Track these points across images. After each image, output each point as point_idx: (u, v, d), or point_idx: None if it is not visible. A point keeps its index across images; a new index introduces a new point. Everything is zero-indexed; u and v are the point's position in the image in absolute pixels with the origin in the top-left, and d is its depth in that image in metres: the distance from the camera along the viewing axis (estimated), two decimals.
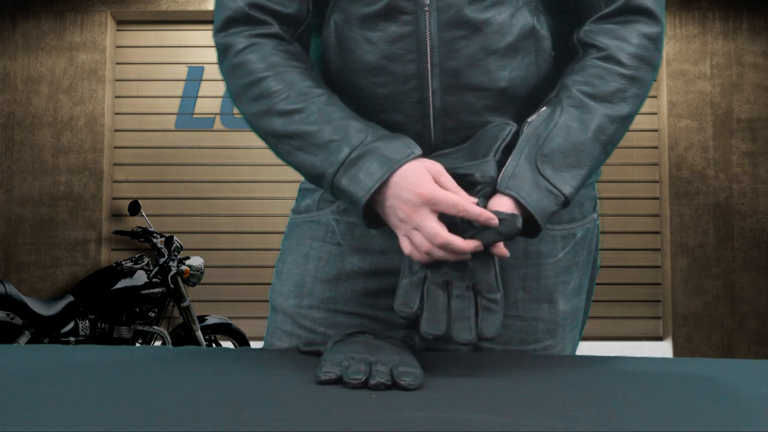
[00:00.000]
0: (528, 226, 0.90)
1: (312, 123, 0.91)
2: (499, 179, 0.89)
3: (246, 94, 0.96)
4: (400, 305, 0.86)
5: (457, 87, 0.95)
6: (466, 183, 0.89)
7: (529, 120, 0.93)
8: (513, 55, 0.95)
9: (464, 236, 0.85)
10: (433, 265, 0.86)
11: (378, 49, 0.96)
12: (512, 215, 0.85)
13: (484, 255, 0.86)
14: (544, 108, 0.94)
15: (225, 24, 0.99)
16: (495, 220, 0.84)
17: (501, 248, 0.86)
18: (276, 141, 0.94)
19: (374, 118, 0.99)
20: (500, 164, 0.90)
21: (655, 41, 0.95)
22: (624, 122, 0.95)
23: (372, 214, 0.91)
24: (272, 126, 0.93)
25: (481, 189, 0.88)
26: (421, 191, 0.85)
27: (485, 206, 0.87)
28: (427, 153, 0.96)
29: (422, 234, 0.84)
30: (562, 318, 1.06)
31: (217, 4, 1.01)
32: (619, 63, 0.93)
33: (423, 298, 0.85)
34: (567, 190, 0.90)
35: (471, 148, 0.94)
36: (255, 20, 0.97)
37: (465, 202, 0.84)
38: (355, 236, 1.04)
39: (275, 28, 0.98)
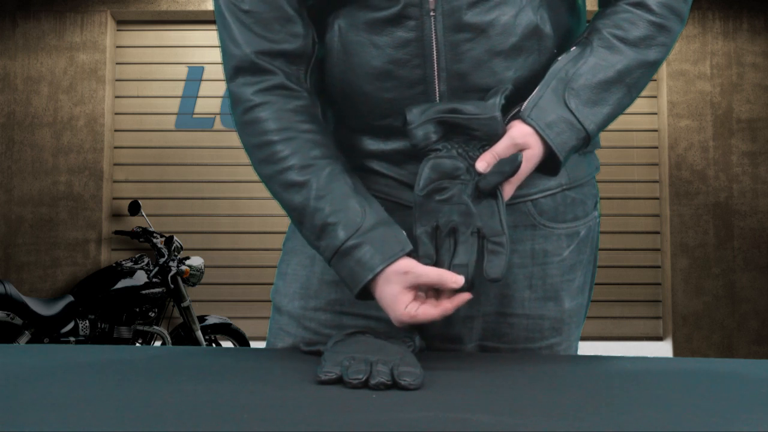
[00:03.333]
0: (548, 160, 0.91)
1: (312, 199, 0.93)
2: (522, 107, 0.91)
3: (256, 154, 0.98)
4: (423, 257, 0.88)
5: (464, 90, 0.95)
6: (466, 135, 0.90)
7: (558, 58, 0.95)
8: (517, 56, 0.95)
9: (470, 183, 0.88)
10: (440, 213, 0.88)
11: (384, 54, 0.95)
12: (513, 155, 0.87)
13: (488, 199, 0.87)
14: (574, 48, 0.95)
15: (233, 73, 0.99)
16: (448, 311, 0.88)
17: (506, 190, 0.89)
18: (282, 206, 0.98)
19: (380, 123, 0.99)
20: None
21: None
22: (650, 68, 0.96)
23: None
24: (277, 194, 0.97)
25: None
26: (395, 316, 0.89)
27: (503, 132, 0.89)
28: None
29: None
30: (568, 316, 1.07)
31: (223, 51, 1.01)
32: (649, 10, 0.95)
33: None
34: (590, 125, 0.91)
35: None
36: (262, 69, 0.97)
37: (436, 313, 0.88)
38: None
39: (281, 78, 0.98)
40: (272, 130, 0.96)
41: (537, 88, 0.92)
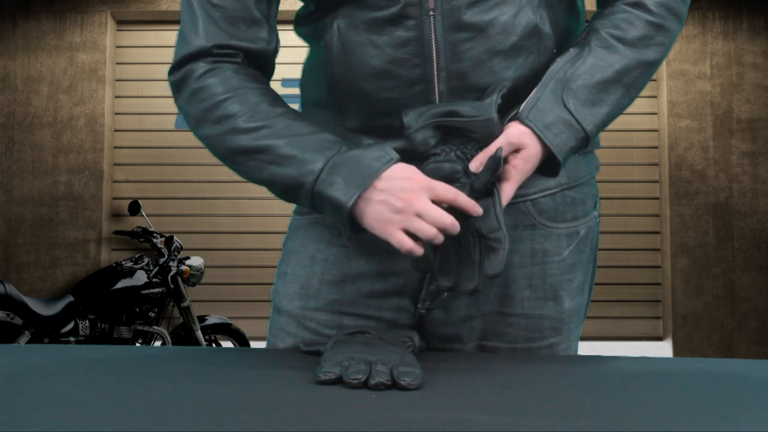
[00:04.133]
0: (547, 161, 0.91)
1: (281, 136, 0.91)
2: (520, 109, 0.91)
3: (208, 117, 0.95)
4: (417, 261, 0.87)
5: (463, 89, 0.95)
6: (464, 137, 0.90)
7: (556, 59, 0.95)
8: (516, 55, 0.95)
9: (467, 185, 0.88)
10: None
11: (384, 53, 0.95)
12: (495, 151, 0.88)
13: (484, 198, 0.87)
14: (572, 48, 0.95)
15: (184, 60, 0.99)
16: (479, 210, 0.86)
17: (507, 190, 0.88)
18: (245, 158, 0.93)
19: (379, 122, 0.99)
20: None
21: None
22: (648, 68, 0.96)
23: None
24: (239, 143, 0.93)
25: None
26: (419, 178, 0.87)
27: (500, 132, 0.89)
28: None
29: (427, 218, 0.85)
30: (568, 315, 1.07)
31: (180, 38, 1.00)
32: (646, 10, 0.95)
33: (436, 252, 0.88)
34: (588, 126, 0.91)
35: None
36: (218, 54, 0.98)
37: (457, 192, 0.86)
38: (362, 238, 1.04)
39: (238, 59, 0.98)
40: (222, 91, 0.95)
41: (535, 89, 0.92)
